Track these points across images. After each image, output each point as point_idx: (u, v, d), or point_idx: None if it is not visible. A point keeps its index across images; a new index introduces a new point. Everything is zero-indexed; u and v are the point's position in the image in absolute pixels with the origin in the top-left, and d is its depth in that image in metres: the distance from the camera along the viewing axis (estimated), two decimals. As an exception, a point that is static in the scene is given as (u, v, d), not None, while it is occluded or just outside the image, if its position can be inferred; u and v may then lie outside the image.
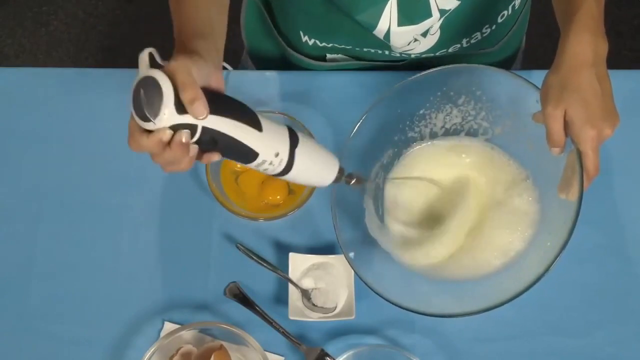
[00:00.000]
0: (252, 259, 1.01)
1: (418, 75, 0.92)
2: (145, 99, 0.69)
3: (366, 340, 0.98)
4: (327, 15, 1.02)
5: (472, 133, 0.99)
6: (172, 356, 0.95)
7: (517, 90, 0.88)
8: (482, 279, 0.90)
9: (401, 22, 0.98)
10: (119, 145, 1.08)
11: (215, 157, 0.75)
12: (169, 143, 0.71)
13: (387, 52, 1.08)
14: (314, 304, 0.99)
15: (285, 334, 0.97)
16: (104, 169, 1.08)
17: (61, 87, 1.13)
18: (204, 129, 0.71)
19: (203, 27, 0.81)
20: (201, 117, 0.70)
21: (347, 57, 1.13)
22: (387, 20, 0.98)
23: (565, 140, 0.79)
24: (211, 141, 0.73)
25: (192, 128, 0.71)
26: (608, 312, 0.99)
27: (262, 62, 1.26)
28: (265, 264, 1.00)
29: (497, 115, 0.95)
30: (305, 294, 0.99)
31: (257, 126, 0.75)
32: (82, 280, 1.03)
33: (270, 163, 0.77)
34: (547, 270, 0.79)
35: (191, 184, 1.06)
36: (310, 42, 1.10)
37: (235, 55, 1.30)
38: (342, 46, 1.09)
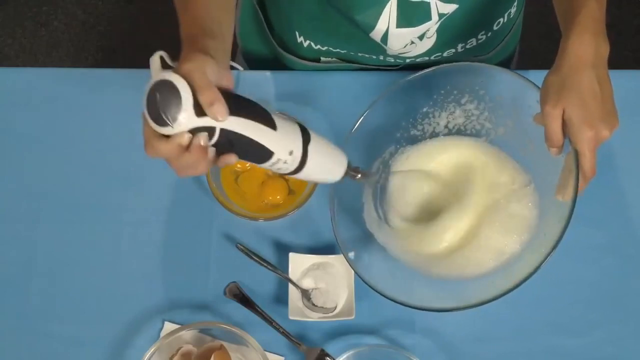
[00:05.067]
0: (252, 259, 1.01)
1: (422, 72, 0.92)
2: (162, 103, 0.67)
3: (366, 340, 0.98)
4: (325, 16, 1.02)
5: (474, 134, 0.98)
6: (172, 356, 0.95)
7: (520, 90, 0.87)
8: (476, 278, 0.90)
9: (400, 23, 0.98)
10: (119, 146, 1.09)
11: (233, 159, 0.73)
12: (188, 147, 0.69)
13: (381, 57, 1.08)
14: (314, 304, 0.99)
15: (285, 334, 0.97)
16: (104, 169, 1.08)
17: (61, 87, 1.13)
18: (222, 130, 0.70)
19: (212, 27, 0.80)
20: (221, 119, 0.69)
21: (340, 60, 1.12)
22: (386, 21, 0.98)
23: (563, 140, 0.79)
24: (227, 143, 0.71)
25: (210, 130, 0.69)
26: (607, 311, 0.99)
27: (255, 63, 1.25)
28: (265, 264, 1.00)
29: (499, 115, 0.95)
30: (305, 294, 0.99)
31: (272, 125, 0.73)
32: (82, 280, 1.02)
33: (285, 162, 0.75)
34: (539, 266, 0.78)
35: (191, 184, 1.06)
36: (305, 44, 1.10)
37: (233, 54, 1.30)
38: (337, 50, 1.09)
